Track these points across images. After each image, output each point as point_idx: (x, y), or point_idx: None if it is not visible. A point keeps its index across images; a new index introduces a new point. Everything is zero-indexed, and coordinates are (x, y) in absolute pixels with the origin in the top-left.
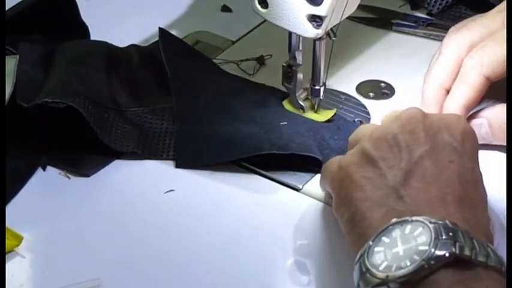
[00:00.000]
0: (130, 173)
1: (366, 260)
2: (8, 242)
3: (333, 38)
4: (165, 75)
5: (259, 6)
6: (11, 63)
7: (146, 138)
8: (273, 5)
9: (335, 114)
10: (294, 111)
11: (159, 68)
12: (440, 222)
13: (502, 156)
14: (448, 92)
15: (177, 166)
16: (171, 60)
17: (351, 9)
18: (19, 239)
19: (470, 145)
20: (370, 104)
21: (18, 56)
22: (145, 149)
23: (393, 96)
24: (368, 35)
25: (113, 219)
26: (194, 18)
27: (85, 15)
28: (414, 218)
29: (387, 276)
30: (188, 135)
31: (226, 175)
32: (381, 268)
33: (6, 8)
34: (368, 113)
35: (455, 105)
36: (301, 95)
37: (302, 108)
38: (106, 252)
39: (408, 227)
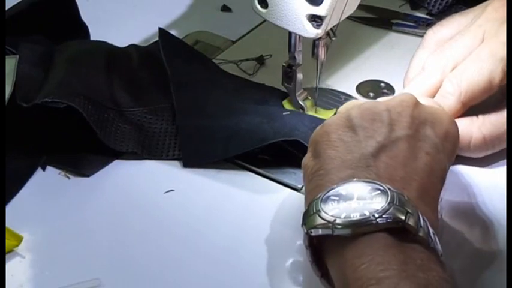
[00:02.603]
0: (130, 173)
1: (319, 203)
2: (8, 242)
3: (333, 38)
4: (165, 76)
5: (259, 6)
6: (11, 63)
7: (146, 138)
8: (273, 5)
9: (335, 114)
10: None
11: (159, 68)
12: (398, 192)
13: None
14: None
15: (185, 166)
16: (171, 60)
17: (351, 9)
18: (19, 239)
19: (451, 146)
20: None
21: (17, 56)
22: (144, 149)
23: None
24: (368, 35)
25: (113, 219)
26: (194, 18)
27: (85, 15)
28: (375, 181)
29: (334, 220)
30: (192, 134)
31: (226, 175)
32: (330, 213)
33: (6, 8)
34: None
35: None
36: (301, 95)
37: (302, 108)
38: (106, 252)
39: (368, 187)
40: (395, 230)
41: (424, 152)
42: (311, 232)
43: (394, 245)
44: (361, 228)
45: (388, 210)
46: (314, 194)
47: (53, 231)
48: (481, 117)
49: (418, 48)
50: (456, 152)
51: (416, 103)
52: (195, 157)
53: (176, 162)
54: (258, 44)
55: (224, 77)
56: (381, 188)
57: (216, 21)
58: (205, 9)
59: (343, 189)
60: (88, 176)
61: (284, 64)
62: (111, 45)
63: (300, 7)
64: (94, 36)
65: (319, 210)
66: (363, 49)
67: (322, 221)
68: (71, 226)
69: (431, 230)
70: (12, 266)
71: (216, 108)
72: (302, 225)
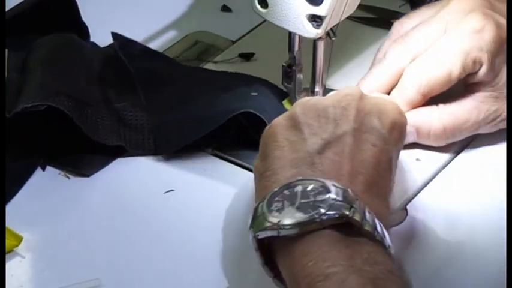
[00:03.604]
0: (130, 173)
1: (264, 206)
2: (8, 242)
3: (333, 38)
4: (130, 74)
5: (259, 6)
6: None
7: (129, 131)
8: (273, 5)
9: None
10: None
11: (124, 67)
12: (341, 187)
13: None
14: None
15: (159, 152)
16: (131, 59)
17: (351, 9)
18: (19, 239)
19: (398, 136)
20: None
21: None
22: (127, 142)
23: None
24: (368, 35)
25: (112, 219)
26: (194, 18)
27: (85, 15)
28: (319, 179)
29: (279, 221)
30: (163, 123)
31: (226, 175)
32: (275, 214)
33: (7, 9)
34: None
35: None
36: (301, 94)
37: None
38: (106, 252)
39: (311, 186)
40: (341, 225)
41: (370, 144)
42: (258, 235)
43: (340, 241)
44: (306, 227)
45: (331, 206)
46: (261, 196)
47: (53, 231)
48: (441, 106)
49: (385, 40)
50: (404, 141)
51: (361, 95)
52: (167, 143)
53: (176, 162)
54: (258, 44)
55: (186, 69)
56: (325, 185)
57: (216, 21)
58: (205, 9)
59: (287, 189)
60: (88, 176)
61: (284, 64)
62: (78, 39)
63: (300, 7)
64: (94, 36)
65: (264, 213)
66: (363, 49)
67: (268, 224)
68: (71, 226)
69: (377, 222)
70: (12, 266)
71: (183, 98)
72: (249, 229)
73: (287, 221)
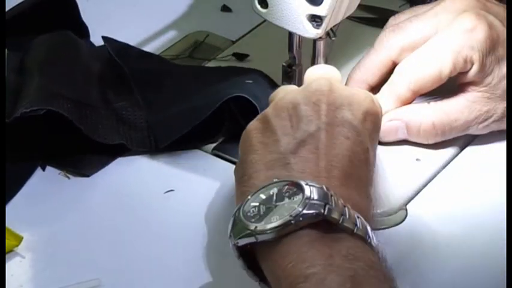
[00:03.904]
0: (130, 173)
1: (241, 212)
2: (8, 242)
3: (333, 38)
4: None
5: (259, 6)
6: None
7: (129, 130)
8: (273, 5)
9: None
10: None
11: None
12: (316, 186)
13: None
14: (371, 87)
15: (159, 145)
16: (125, 61)
17: (351, 9)
18: (19, 239)
19: (371, 125)
20: None
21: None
22: (128, 140)
23: None
24: (368, 35)
25: (112, 219)
26: (194, 18)
27: (85, 15)
28: (292, 179)
29: (256, 227)
30: (160, 118)
31: (226, 175)
32: (252, 220)
33: (7, 9)
34: None
35: None
36: None
37: None
38: (106, 252)
39: (286, 187)
40: (319, 224)
41: (343, 137)
42: (237, 243)
43: (317, 240)
44: (283, 230)
45: (305, 206)
46: (239, 202)
47: (53, 231)
48: (432, 103)
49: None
50: (379, 131)
51: (331, 88)
52: (167, 134)
53: (176, 162)
54: (258, 44)
55: (180, 67)
56: (298, 184)
57: (216, 21)
58: (205, 9)
59: (263, 193)
60: (88, 176)
61: (284, 64)
62: (75, 37)
63: (300, 7)
64: (94, 36)
65: (241, 220)
66: (363, 49)
67: (247, 231)
68: (71, 226)
69: (356, 216)
70: (12, 266)
71: (180, 94)
72: (229, 237)
73: (264, 226)
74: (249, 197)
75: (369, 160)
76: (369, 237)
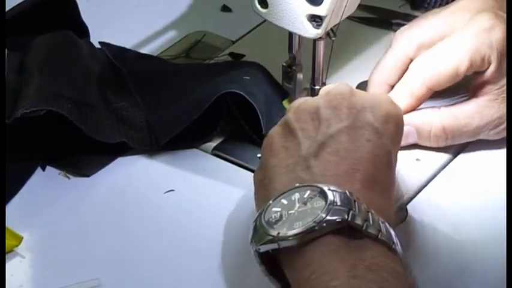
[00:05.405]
0: (130, 173)
1: (262, 218)
2: (8, 242)
3: (333, 38)
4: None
5: (259, 6)
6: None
7: (129, 130)
8: (273, 5)
9: None
10: None
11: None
12: (339, 191)
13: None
14: (392, 87)
15: (160, 142)
16: (123, 63)
17: (351, 9)
18: (19, 239)
19: (393, 128)
20: None
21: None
22: (129, 138)
23: None
24: (368, 35)
25: (112, 219)
26: (194, 18)
27: (85, 15)
28: (315, 184)
29: (278, 233)
30: (159, 116)
31: (226, 175)
32: (274, 226)
33: (7, 9)
34: None
35: None
36: (301, 94)
37: None
38: (106, 252)
39: (308, 192)
40: (343, 230)
41: (365, 139)
42: (259, 249)
43: (341, 248)
44: (306, 237)
45: (329, 212)
46: (260, 207)
47: (53, 231)
48: (443, 108)
49: None
50: (401, 134)
51: (352, 92)
52: (166, 130)
53: (176, 162)
54: (258, 44)
55: (179, 67)
56: (321, 189)
57: (216, 21)
58: (205, 9)
59: (284, 198)
60: (88, 176)
61: (284, 64)
62: (75, 37)
63: (300, 7)
64: (94, 36)
65: (263, 226)
66: (362, 49)
67: (268, 237)
68: (71, 226)
69: (381, 221)
70: (12, 266)
71: (178, 92)
72: (250, 243)
73: (286, 232)
74: (270, 202)
75: (391, 163)
76: (393, 243)
